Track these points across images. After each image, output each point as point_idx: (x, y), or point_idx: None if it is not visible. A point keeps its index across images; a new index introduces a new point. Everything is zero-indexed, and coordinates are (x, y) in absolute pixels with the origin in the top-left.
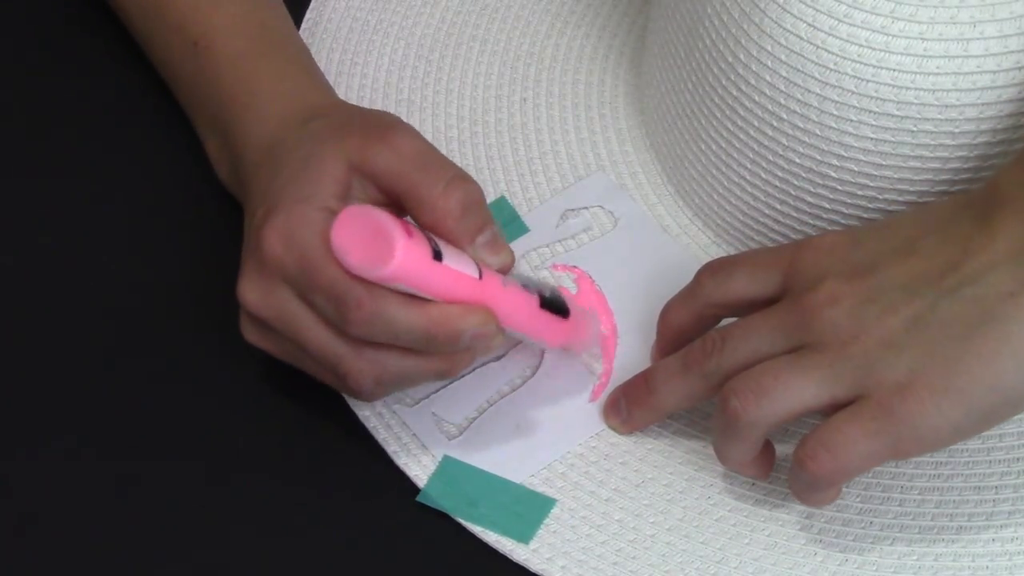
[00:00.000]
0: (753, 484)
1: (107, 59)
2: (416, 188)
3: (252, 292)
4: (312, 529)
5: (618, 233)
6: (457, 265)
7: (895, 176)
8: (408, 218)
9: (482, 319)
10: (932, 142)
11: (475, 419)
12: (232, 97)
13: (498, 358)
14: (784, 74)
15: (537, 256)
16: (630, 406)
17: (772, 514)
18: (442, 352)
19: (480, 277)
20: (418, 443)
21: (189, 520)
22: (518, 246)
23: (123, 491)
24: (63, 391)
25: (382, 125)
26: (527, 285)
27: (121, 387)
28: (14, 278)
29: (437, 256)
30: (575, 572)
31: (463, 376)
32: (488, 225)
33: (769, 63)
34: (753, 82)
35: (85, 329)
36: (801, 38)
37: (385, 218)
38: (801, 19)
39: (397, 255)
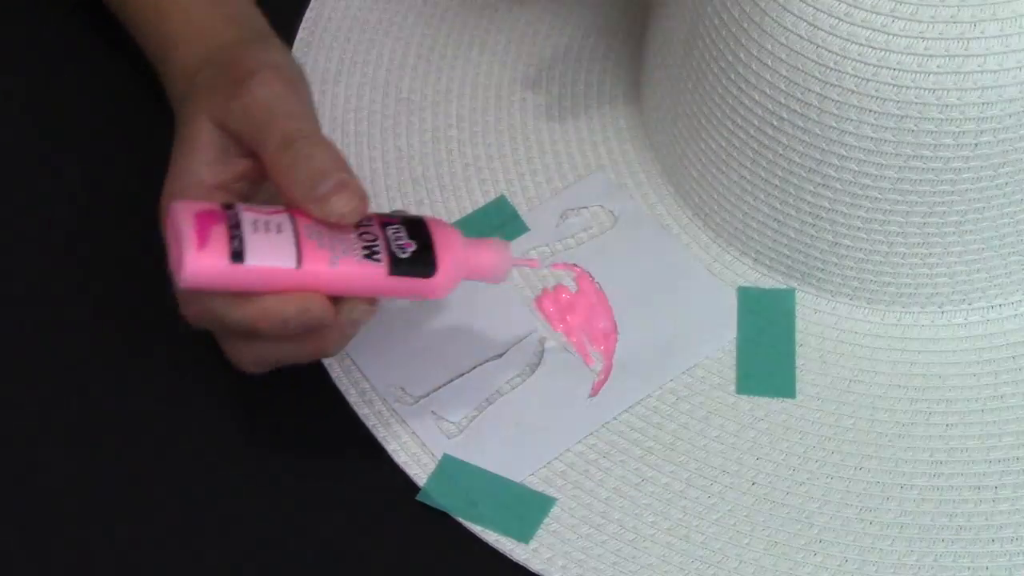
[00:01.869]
0: (753, 483)
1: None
2: (259, 149)
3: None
4: (312, 528)
5: (618, 232)
6: (267, 259)
7: (896, 176)
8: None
9: (300, 305)
10: (933, 142)
11: (475, 418)
12: (156, 38)
13: (498, 356)
14: (784, 73)
15: (537, 255)
16: None
17: (772, 514)
18: (283, 339)
19: (299, 264)
20: (418, 442)
21: (188, 520)
22: (518, 245)
23: (122, 491)
24: (62, 389)
25: (242, 75)
26: (373, 254)
27: (119, 386)
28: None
29: (237, 257)
30: (575, 572)
31: (462, 375)
32: (329, 173)
33: (769, 62)
34: (753, 81)
35: (78, 328)
36: (801, 37)
37: (186, 224)
38: (801, 18)
39: (185, 268)
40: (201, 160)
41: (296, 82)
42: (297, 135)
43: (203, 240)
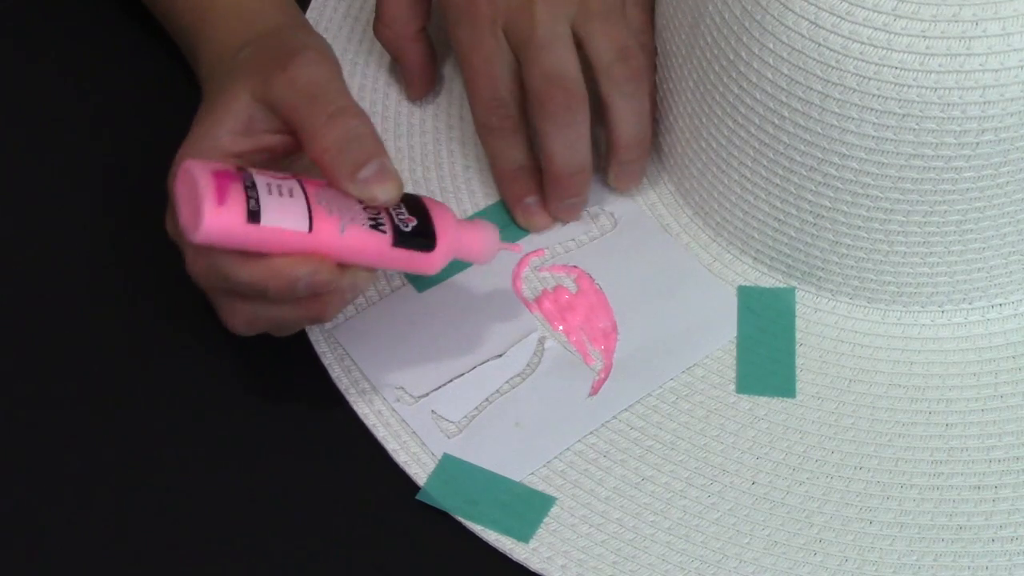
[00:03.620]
0: (753, 483)
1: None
2: (302, 121)
3: (168, 223)
4: (311, 528)
5: (618, 233)
6: (281, 221)
7: (897, 175)
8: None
9: (311, 268)
10: (934, 141)
11: (475, 417)
12: (193, 22)
13: (498, 356)
14: (786, 72)
15: (537, 258)
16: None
17: (772, 514)
18: (287, 300)
19: (311, 229)
20: (417, 441)
21: (187, 520)
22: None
23: (122, 491)
24: (62, 389)
25: (288, 52)
26: (378, 225)
27: (120, 386)
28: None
29: (254, 217)
30: (574, 571)
31: (462, 375)
32: (372, 159)
33: (770, 61)
34: (754, 80)
35: (74, 324)
36: (803, 36)
37: (202, 181)
38: (803, 17)
39: (204, 222)
40: (226, 128)
41: (338, 65)
42: (345, 112)
43: (221, 197)
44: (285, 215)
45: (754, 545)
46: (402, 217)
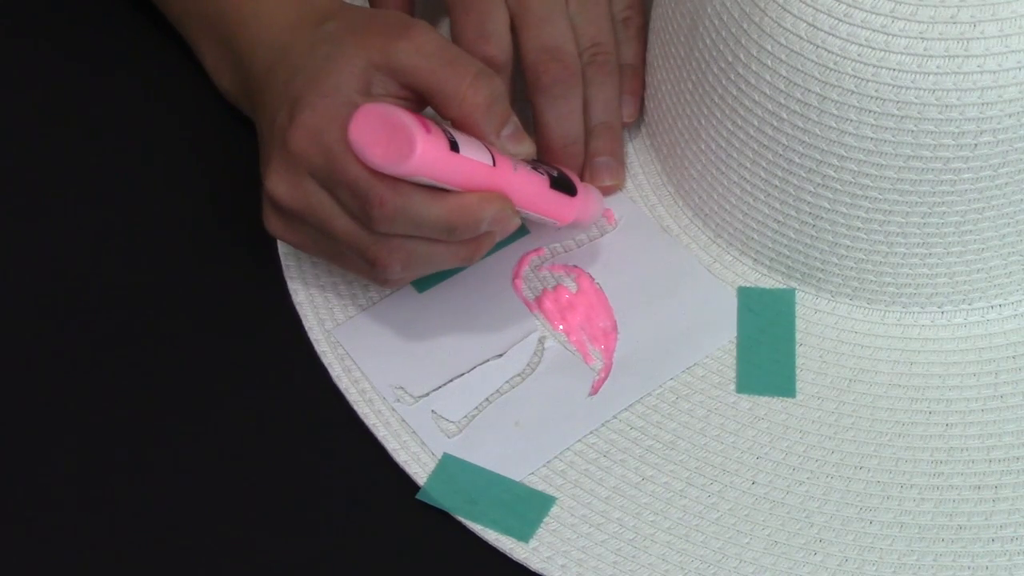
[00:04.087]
0: (753, 483)
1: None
2: (442, 83)
3: (280, 184)
4: (312, 527)
5: (618, 233)
6: (474, 154)
7: (896, 176)
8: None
9: (500, 205)
10: (933, 142)
11: (475, 417)
12: (236, 5)
13: (498, 356)
14: (784, 74)
15: (537, 257)
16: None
17: (772, 514)
18: (464, 238)
19: (494, 164)
20: (417, 441)
21: (187, 519)
22: (518, 247)
23: (122, 491)
24: (62, 388)
25: (400, 23)
26: (536, 168)
27: (120, 386)
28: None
29: (454, 147)
30: (574, 571)
31: (462, 375)
32: (511, 117)
33: (769, 63)
34: (753, 82)
35: (73, 321)
36: (801, 38)
37: (402, 114)
38: (801, 18)
39: (418, 149)
40: (351, 87)
41: None
42: (487, 74)
43: (427, 128)
44: (473, 150)
45: (754, 545)
46: (542, 168)
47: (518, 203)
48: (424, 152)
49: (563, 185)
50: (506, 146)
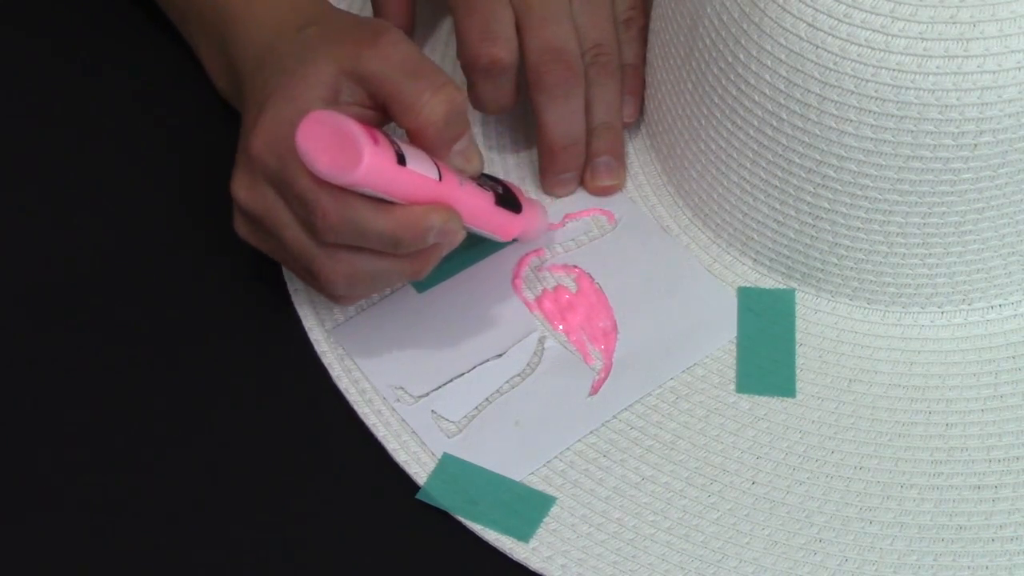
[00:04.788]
0: (753, 483)
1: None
2: (401, 94)
3: (241, 188)
4: (312, 527)
5: (618, 233)
6: (419, 167)
7: (896, 177)
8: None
9: (445, 216)
10: (932, 142)
11: (475, 417)
12: (229, 4)
13: (498, 356)
14: (784, 74)
15: (537, 257)
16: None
17: (772, 514)
18: (410, 251)
19: (440, 179)
20: (417, 441)
21: (187, 519)
22: (518, 247)
23: (122, 491)
24: (62, 387)
25: (373, 31)
26: (482, 184)
27: (120, 386)
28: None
29: (401, 160)
30: (574, 571)
31: (462, 375)
32: (465, 133)
33: (769, 63)
34: (753, 82)
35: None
36: (801, 38)
37: (351, 124)
38: (801, 19)
39: (365, 160)
40: (316, 94)
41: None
42: (449, 87)
43: (375, 139)
44: (420, 163)
45: (754, 545)
46: (490, 183)
47: (463, 218)
48: (370, 163)
49: (508, 202)
50: (455, 161)
